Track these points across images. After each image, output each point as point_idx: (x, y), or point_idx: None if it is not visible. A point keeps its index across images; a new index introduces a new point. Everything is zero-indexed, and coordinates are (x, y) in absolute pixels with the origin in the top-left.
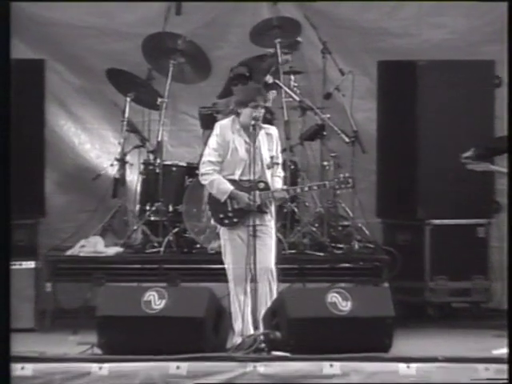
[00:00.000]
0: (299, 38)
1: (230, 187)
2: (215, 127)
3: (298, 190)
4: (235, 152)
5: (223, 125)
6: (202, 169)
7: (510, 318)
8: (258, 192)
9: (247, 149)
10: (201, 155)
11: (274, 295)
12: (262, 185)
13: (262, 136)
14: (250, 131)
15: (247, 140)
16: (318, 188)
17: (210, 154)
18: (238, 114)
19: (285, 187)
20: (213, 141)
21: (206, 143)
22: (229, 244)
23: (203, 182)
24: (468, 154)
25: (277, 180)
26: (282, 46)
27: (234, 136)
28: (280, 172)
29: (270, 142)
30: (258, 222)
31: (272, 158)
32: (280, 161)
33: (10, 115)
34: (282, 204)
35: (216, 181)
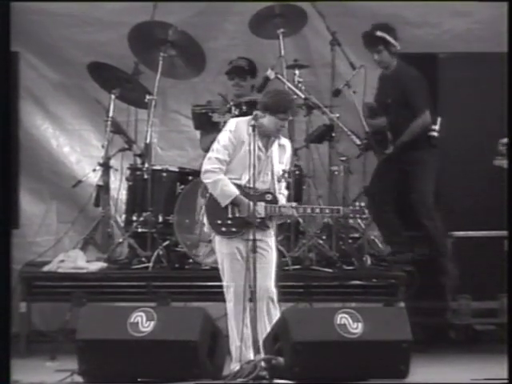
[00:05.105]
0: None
1: (235, 191)
2: (229, 123)
3: (309, 211)
4: (248, 155)
5: (240, 122)
6: (208, 165)
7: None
8: (263, 204)
9: (259, 156)
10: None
11: (273, 320)
12: (269, 196)
13: (274, 146)
14: (250, 132)
15: (260, 145)
16: (331, 212)
17: (218, 150)
18: (256, 116)
19: (294, 204)
20: (224, 137)
21: (201, 144)
22: (227, 259)
23: (205, 181)
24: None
25: (281, 198)
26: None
27: (251, 138)
28: (285, 191)
29: (281, 154)
30: (258, 237)
31: (284, 171)
32: (288, 177)
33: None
34: (283, 221)
35: (222, 181)
